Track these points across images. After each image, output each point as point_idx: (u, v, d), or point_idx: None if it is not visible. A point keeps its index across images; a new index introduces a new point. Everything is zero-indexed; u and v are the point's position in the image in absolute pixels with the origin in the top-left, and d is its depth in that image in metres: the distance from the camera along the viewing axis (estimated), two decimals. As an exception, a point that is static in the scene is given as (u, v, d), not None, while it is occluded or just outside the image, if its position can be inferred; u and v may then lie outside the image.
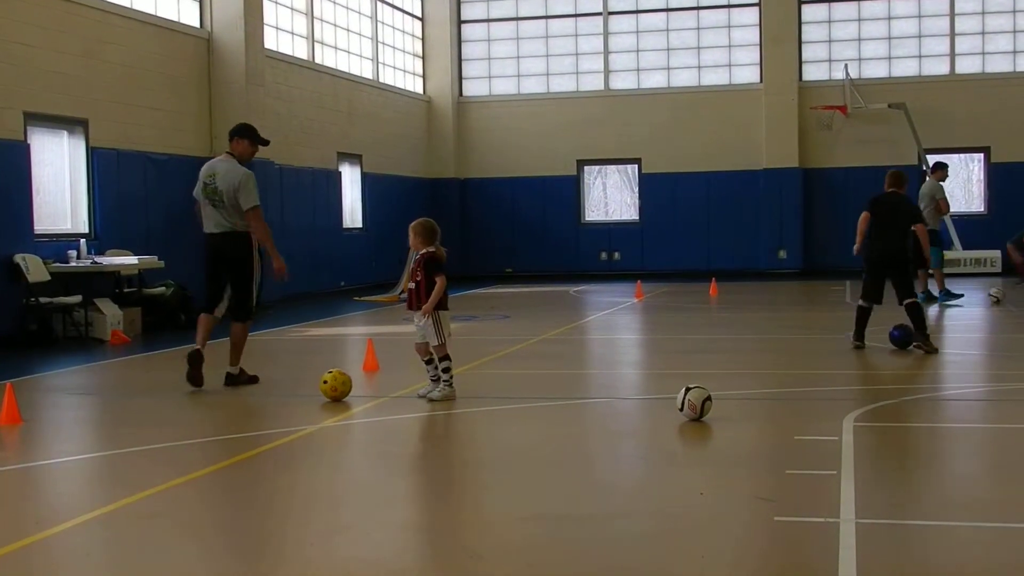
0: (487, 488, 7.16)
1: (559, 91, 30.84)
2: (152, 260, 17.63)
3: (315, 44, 25.04)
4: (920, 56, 29.13)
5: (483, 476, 7.51)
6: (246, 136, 11.38)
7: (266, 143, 11.68)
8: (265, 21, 22.07)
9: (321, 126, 24.76)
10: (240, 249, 11.07)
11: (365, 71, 27.60)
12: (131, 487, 6.99)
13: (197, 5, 20.87)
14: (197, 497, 6.92)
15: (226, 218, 11.02)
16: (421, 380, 10.51)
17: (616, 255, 29.99)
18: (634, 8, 30.47)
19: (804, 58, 29.49)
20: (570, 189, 30.48)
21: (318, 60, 25.11)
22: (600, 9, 30.52)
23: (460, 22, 31.36)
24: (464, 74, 31.43)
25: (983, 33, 28.77)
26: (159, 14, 19.81)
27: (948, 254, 24.40)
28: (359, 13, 27.47)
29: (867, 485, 6.68)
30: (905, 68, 29.16)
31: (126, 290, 17.28)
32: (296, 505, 6.71)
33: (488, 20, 31.34)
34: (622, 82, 30.60)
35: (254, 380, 11.28)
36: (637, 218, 30.24)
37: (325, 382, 10.08)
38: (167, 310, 17.47)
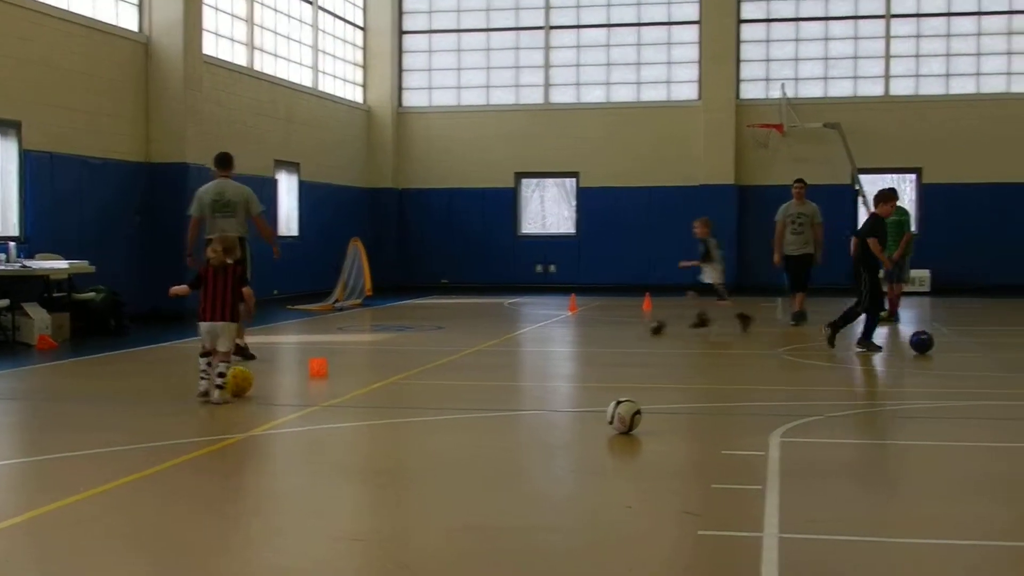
0: (417, 499, 7.15)
1: (499, 103, 30.91)
2: (83, 265, 17.42)
3: (255, 51, 24.91)
4: (856, 77, 29.51)
5: (413, 487, 7.51)
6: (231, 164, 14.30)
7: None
8: (204, 27, 21.93)
9: (259, 133, 24.63)
10: (244, 252, 12.88)
11: (305, 79, 27.51)
12: (55, 493, 6.90)
13: (135, 9, 20.70)
14: (123, 504, 6.85)
15: (237, 226, 13.57)
16: (357, 388, 10.48)
17: (552, 268, 30.08)
18: (575, 23, 30.63)
19: (742, 76, 29.79)
20: (508, 201, 30.55)
21: (257, 67, 24.99)
22: (542, 23, 30.65)
23: (401, 32, 31.36)
24: (404, 84, 31.42)
25: (917, 56, 29.22)
26: (96, 17, 19.63)
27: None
28: (300, 21, 27.37)
29: (791, 500, 6.75)
30: (841, 89, 29.54)
31: (55, 295, 17.05)
32: (223, 513, 6.67)
33: (430, 31, 31.36)
34: (562, 96, 30.72)
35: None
36: (574, 231, 30.35)
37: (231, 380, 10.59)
38: (97, 316, 17.27)
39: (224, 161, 14.25)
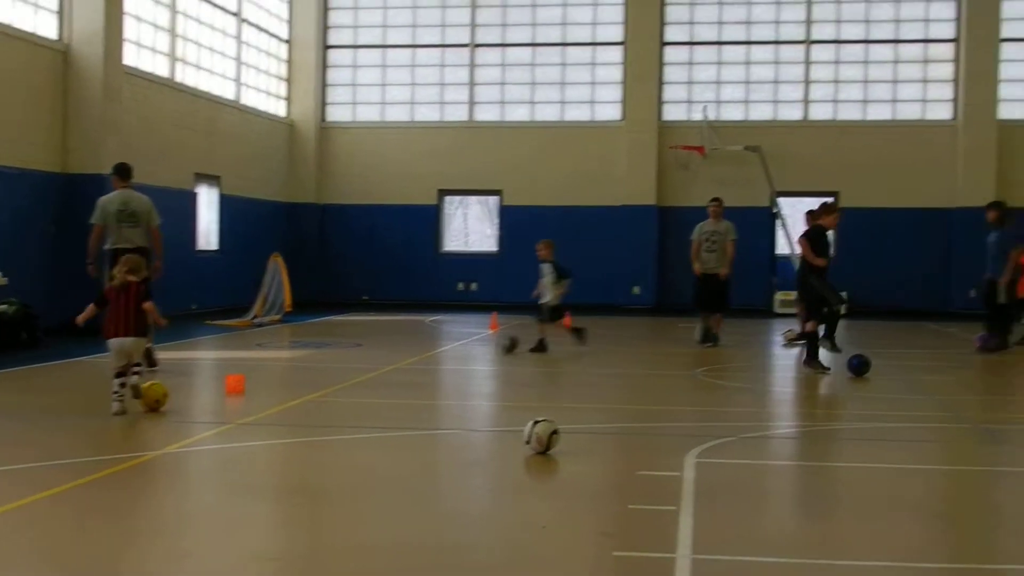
0: (332, 518, 7.11)
1: (423, 120, 30.90)
2: (-6, 276, 17.13)
3: (177, 62, 24.68)
4: (776, 101, 29.91)
5: (329, 506, 7.46)
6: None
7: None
8: (125, 37, 21.68)
9: (180, 145, 24.39)
10: (148, 262, 13.24)
11: (227, 92, 27.30)
12: (-40, 511, 6.78)
13: (55, 17, 20.41)
14: (34, 522, 6.73)
15: (141, 236, 14.09)
16: (273, 406, 10.40)
17: (474, 286, 30.09)
18: (501, 42, 30.73)
19: (665, 98, 30.05)
20: (431, 218, 30.53)
21: (179, 79, 24.75)
22: (467, 41, 30.71)
23: (326, 47, 31.25)
24: (328, 99, 31.30)
25: (836, 82, 29.68)
26: (14, 24, 19.32)
27: (790, 294, 24.98)
28: (223, 33, 27.18)
29: (705, 521, 6.81)
30: (761, 112, 29.91)
31: (-34, 307, 16.72)
32: (135, 532, 6.58)
33: (355, 46, 31.28)
34: (487, 114, 30.80)
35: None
36: (496, 249, 30.40)
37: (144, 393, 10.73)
38: (9, 329, 16.96)
39: (125, 171, 14.60)
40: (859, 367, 14.54)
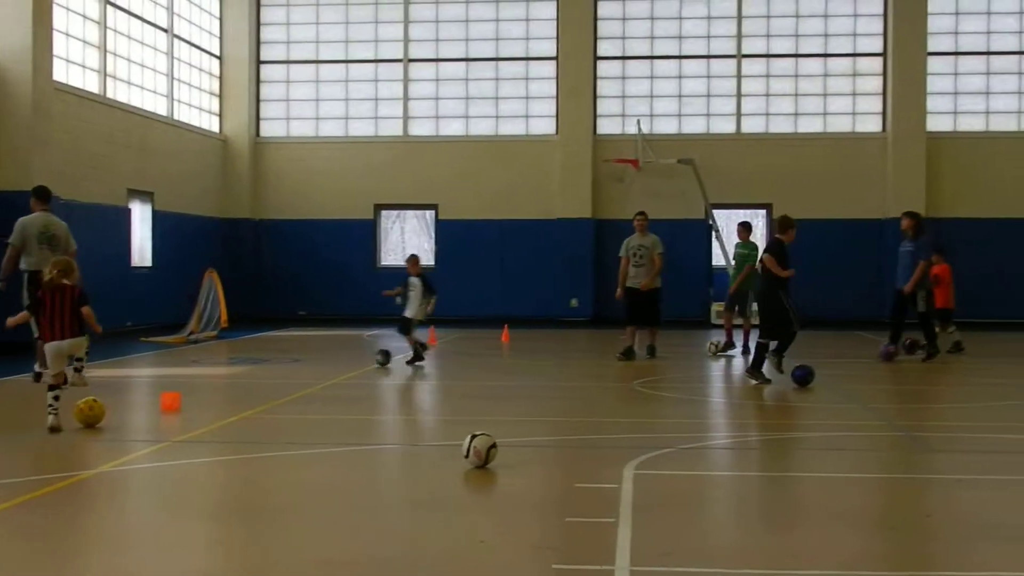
0: (270, 535, 7.07)
1: (358, 135, 30.83)
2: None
3: (108, 78, 24.45)
4: (709, 115, 30.18)
5: (267, 523, 7.42)
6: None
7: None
8: (55, 52, 21.46)
9: (111, 162, 24.15)
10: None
11: (160, 108, 27.08)
12: None
13: (-18, 33, 20.16)
14: (-38, 546, 6.64)
15: None
16: (210, 423, 10.32)
17: (411, 300, 30.00)
18: (434, 56, 30.75)
19: (599, 112, 30.22)
20: (367, 233, 30.45)
21: (111, 95, 24.52)
22: (400, 56, 30.70)
23: (259, 62, 31.10)
24: (262, 114, 31.14)
25: (767, 95, 30.02)
26: (-59, 40, 19.07)
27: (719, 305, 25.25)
28: (155, 49, 26.96)
29: (643, 532, 6.86)
30: (694, 125, 30.17)
31: None
32: (70, 552, 6.51)
33: (288, 62, 31.16)
34: (421, 128, 30.80)
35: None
36: (433, 263, 30.37)
37: (81, 410, 10.73)
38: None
39: (45, 194, 14.96)
40: (803, 378, 14.68)
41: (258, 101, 31.06)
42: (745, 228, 20.58)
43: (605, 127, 30.19)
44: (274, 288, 30.08)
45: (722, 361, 18.79)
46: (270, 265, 30.32)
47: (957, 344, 19.73)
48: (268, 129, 31.09)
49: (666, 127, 30.12)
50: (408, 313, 17.63)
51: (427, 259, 30.51)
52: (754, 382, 14.93)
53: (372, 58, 30.87)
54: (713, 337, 20.92)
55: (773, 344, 15.23)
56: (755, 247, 20.13)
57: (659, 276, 18.73)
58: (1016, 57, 29.48)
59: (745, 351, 19.30)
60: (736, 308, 20.00)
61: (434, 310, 17.99)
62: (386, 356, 17.45)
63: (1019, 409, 13.37)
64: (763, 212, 29.78)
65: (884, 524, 7.53)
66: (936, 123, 29.36)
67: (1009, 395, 14.70)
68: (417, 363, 17.32)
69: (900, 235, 19.13)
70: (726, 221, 28.71)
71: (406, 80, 30.73)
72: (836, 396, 14.15)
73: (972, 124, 29.56)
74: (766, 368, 15.18)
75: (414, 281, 17.72)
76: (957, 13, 29.50)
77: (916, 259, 18.32)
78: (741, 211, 29.57)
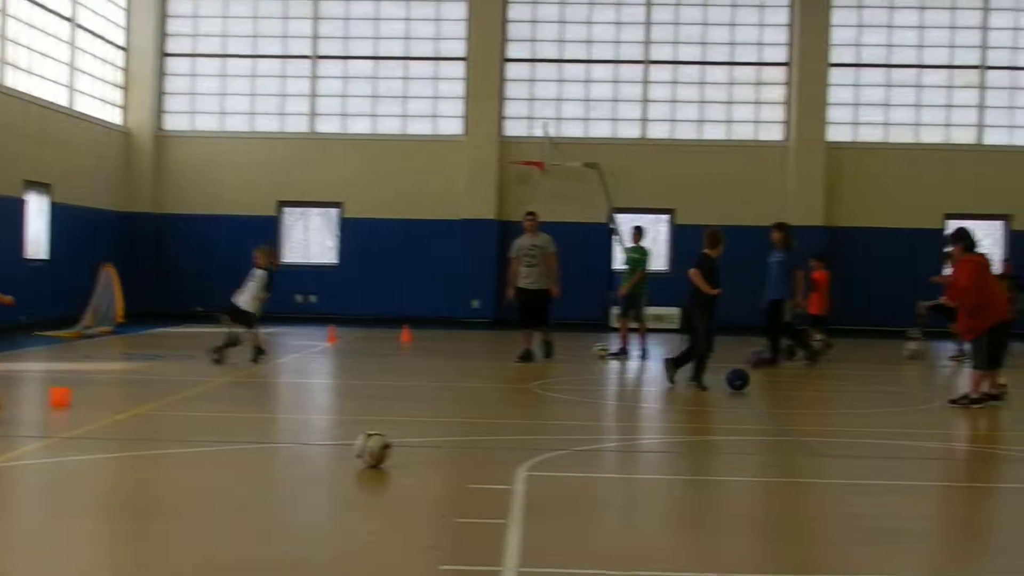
0: (161, 534, 6.99)
1: (264, 131, 30.53)
2: None
3: (6, 66, 23.94)
4: (615, 119, 30.39)
5: (157, 522, 7.33)
6: None
7: None
8: (-49, 38, 20.98)
9: (7, 152, 23.63)
10: None
11: (60, 98, 26.58)
12: None
13: None
14: None
15: None
16: (101, 419, 10.17)
17: (312, 298, 29.82)
18: (343, 54, 30.57)
19: (506, 114, 30.27)
20: (269, 230, 30.15)
21: (8, 83, 24.01)
22: (308, 52, 30.48)
23: (164, 55, 30.66)
24: (166, 107, 30.71)
25: (673, 102, 30.29)
26: None
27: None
28: (56, 38, 26.46)
29: (534, 534, 6.90)
30: (601, 130, 30.34)
31: None
32: (-55, 551, 6.38)
33: (193, 55, 30.75)
34: (328, 126, 30.59)
35: None
36: (336, 261, 30.21)
37: None
38: None
39: None
40: (736, 381, 14.77)
41: (162, 94, 30.62)
42: (637, 232, 20.70)
43: (512, 129, 30.25)
44: (173, 284, 29.66)
45: (618, 365, 18.92)
46: (170, 260, 29.88)
47: (814, 352, 20.07)
48: (172, 122, 30.66)
49: (573, 131, 30.26)
50: (243, 304, 17.22)
51: (330, 257, 30.38)
52: (700, 389, 14.91)
53: (280, 53, 30.59)
54: (609, 341, 21.04)
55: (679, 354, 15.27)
56: (646, 251, 20.30)
57: (557, 277, 18.65)
58: (914, 70, 30.09)
59: (642, 355, 19.45)
60: (630, 312, 20.10)
61: (262, 311, 17.49)
62: (220, 352, 16.77)
63: (902, 415, 13.66)
64: (666, 217, 30.04)
65: (771, 527, 7.65)
66: (837, 133, 29.86)
67: (893, 403, 15.02)
68: (260, 357, 16.96)
69: (770, 246, 19.35)
70: (630, 226, 28.89)
71: (314, 77, 30.51)
72: (728, 401, 14.32)
73: (871, 135, 30.12)
74: (661, 373, 15.31)
75: (259, 273, 17.42)
76: (860, 26, 30.04)
77: (789, 269, 18.61)
78: (645, 215, 29.84)
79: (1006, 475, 10.15)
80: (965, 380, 14.18)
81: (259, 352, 17.09)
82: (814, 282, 20.02)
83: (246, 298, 17.20)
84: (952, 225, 29.29)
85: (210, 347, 16.93)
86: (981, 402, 13.56)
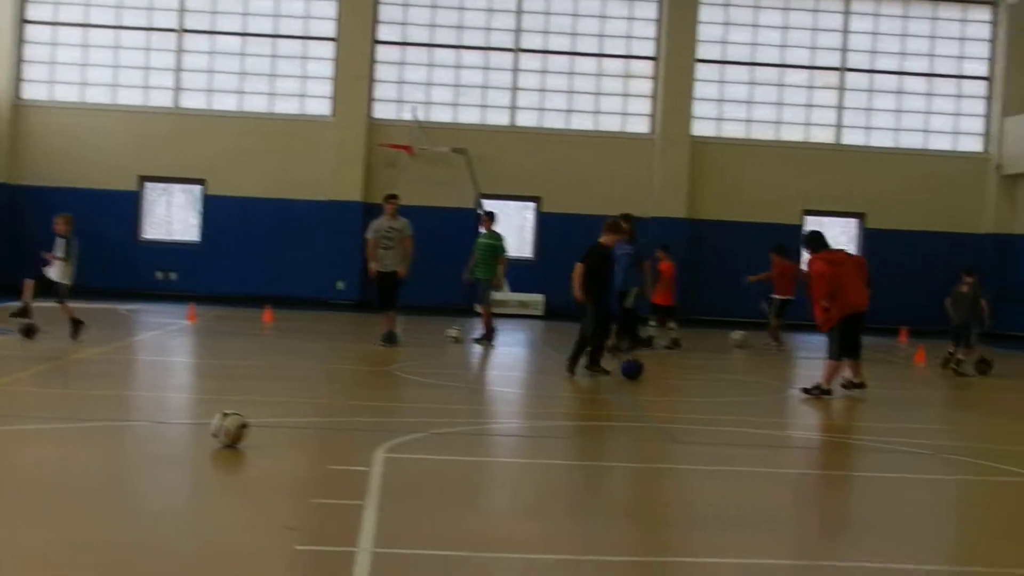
0: (11, 513, 6.84)
1: (127, 104, 29.87)
2: None
3: None
4: (484, 106, 30.46)
5: (6, 499, 7.17)
6: None
7: None
8: None
9: None
10: None
11: (-89, 61, 25.68)
12: None
13: None
14: None
15: None
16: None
17: (173, 275, 29.34)
18: (210, 29, 30.08)
19: (376, 96, 30.12)
20: (130, 205, 29.58)
21: None
22: (175, 26, 29.92)
23: (23, 22, 29.80)
24: (24, 76, 29.86)
25: (542, 91, 30.48)
26: None
27: (497, 296, 25.62)
28: (-91, -2, 25.55)
29: (390, 515, 6.93)
30: (470, 116, 30.39)
31: None
32: None
33: (55, 23, 29.95)
34: (193, 101, 30.07)
35: None
36: (199, 239, 29.75)
37: None
38: None
39: None
40: (630, 371, 14.92)
41: (20, 62, 29.77)
42: (489, 217, 20.75)
43: (381, 112, 30.12)
44: (29, 257, 28.84)
45: (480, 349, 19.01)
46: (25, 233, 29.07)
47: (675, 341, 20.46)
48: (31, 92, 29.82)
49: (442, 116, 30.25)
50: (55, 276, 16.73)
51: (193, 234, 29.93)
52: (594, 375, 15.03)
53: (144, 26, 29.97)
54: (464, 325, 21.05)
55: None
56: (500, 237, 20.34)
57: (409, 261, 18.49)
58: (777, 70, 30.76)
59: (485, 338, 19.35)
60: (482, 297, 19.94)
61: (72, 280, 16.99)
62: (28, 328, 16.17)
63: (756, 404, 14.01)
64: (533, 205, 30.23)
65: (626, 512, 7.79)
66: (701, 128, 30.38)
67: (748, 391, 15.39)
68: (79, 329, 16.42)
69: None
70: (498, 213, 29.02)
71: (180, 51, 29.96)
72: (586, 386, 14.51)
73: (735, 131, 30.72)
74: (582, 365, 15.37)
75: (59, 242, 16.93)
76: (726, 23, 30.59)
77: (634, 261, 18.86)
78: (512, 202, 30.03)
79: (857, 464, 10.48)
80: (819, 370, 14.58)
81: (76, 325, 16.54)
82: (659, 273, 20.40)
83: (57, 271, 16.70)
84: (810, 222, 30.25)
85: (18, 325, 16.31)
86: (830, 392, 13.99)
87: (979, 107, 30.95)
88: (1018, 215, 30.10)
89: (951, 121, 31.02)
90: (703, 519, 7.49)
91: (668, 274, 20.83)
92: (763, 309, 22.16)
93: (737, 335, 21.66)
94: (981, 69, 30.94)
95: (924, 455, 10.48)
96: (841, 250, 14.98)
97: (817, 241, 14.70)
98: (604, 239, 15.66)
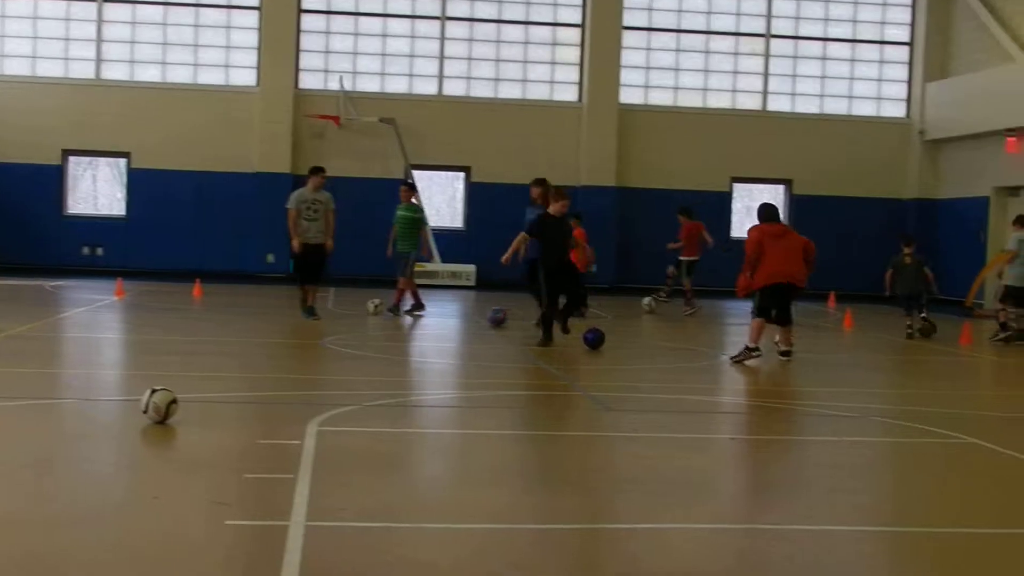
0: (-74, 493, 6.75)
1: (46, 76, 29.35)
2: None
3: None
4: (412, 75, 30.29)
5: (-77, 480, 7.07)
6: None
7: None
8: None
9: None
10: None
11: None
12: None
13: None
14: None
15: None
16: None
17: (99, 250, 28.96)
18: (130, -1, 29.61)
19: (302, 66, 29.86)
20: (53, 179, 29.12)
21: None
22: (95, -5, 29.42)
23: (-63, -9, 29.17)
24: (-60, 48, 29.26)
25: (469, 59, 30.37)
26: None
27: (428, 266, 25.66)
28: None
29: (322, 488, 6.90)
30: (397, 85, 30.22)
31: None
32: None
33: (-30, -7, 29.36)
34: (115, 72, 29.60)
35: None
36: (124, 213, 29.37)
37: None
38: None
39: None
40: (594, 341, 14.99)
41: (-64, 34, 29.16)
42: (409, 188, 20.66)
43: (307, 82, 29.87)
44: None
45: (412, 321, 19.00)
46: (-55, 209, 28.58)
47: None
48: (-52, 65, 29.24)
49: (369, 85, 30.06)
50: None
51: (119, 209, 29.55)
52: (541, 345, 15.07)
53: (63, -5, 29.45)
54: (409, 298, 21.01)
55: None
56: (420, 209, 20.22)
57: (333, 233, 18.27)
58: (703, 36, 30.88)
59: (394, 310, 19.30)
60: (404, 270, 19.71)
61: None
62: None
63: (684, 371, 14.14)
64: (463, 175, 30.19)
65: (560, 480, 7.82)
66: (629, 96, 30.45)
67: (677, 358, 15.52)
68: None
69: (529, 203, 19.13)
70: (428, 183, 28.98)
71: (100, 21, 29.47)
72: (517, 356, 14.55)
73: (662, 99, 30.83)
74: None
75: None
76: (653, -10, 30.69)
77: None
78: (441, 172, 29.98)
79: (789, 428, 10.60)
80: (745, 337, 14.73)
81: None
82: (574, 240, 20.32)
83: None
84: (738, 189, 30.52)
85: None
86: (754, 354, 14.17)
87: (902, 72, 31.33)
88: (940, 180, 30.55)
89: (875, 87, 31.40)
90: (637, 484, 7.55)
91: (580, 240, 20.82)
92: (671, 272, 22.60)
93: (647, 301, 22.09)
94: (903, 35, 31.30)
95: (855, 418, 10.64)
96: (782, 225, 15.10)
97: (762, 212, 14.89)
98: (553, 208, 15.71)
